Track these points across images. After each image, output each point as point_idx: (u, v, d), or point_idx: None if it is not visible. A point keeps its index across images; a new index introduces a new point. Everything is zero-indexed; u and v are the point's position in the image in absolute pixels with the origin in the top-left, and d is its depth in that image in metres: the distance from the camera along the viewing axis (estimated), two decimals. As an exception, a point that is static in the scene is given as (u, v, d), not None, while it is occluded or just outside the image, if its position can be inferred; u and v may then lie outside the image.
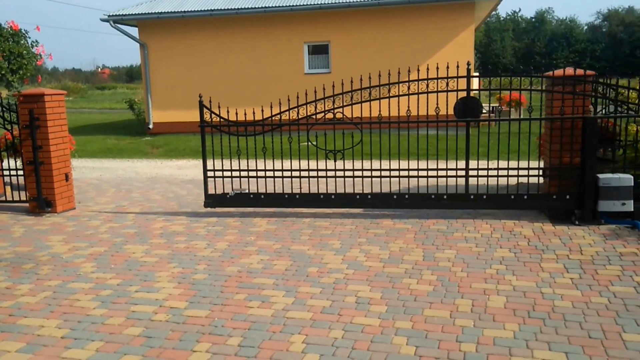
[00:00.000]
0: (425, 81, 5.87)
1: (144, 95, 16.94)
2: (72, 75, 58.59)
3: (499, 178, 5.98)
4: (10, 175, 7.25)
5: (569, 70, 5.75)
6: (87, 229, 6.06)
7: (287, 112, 6.32)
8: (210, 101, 6.63)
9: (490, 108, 16.94)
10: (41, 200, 6.73)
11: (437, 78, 5.94)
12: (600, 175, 5.45)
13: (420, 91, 5.95)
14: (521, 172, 6.12)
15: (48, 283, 4.43)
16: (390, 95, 6.05)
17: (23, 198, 7.10)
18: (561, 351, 3.11)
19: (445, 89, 5.86)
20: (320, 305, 3.84)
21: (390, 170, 6.16)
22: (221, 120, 6.34)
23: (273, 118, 6.20)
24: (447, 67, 6.27)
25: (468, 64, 5.92)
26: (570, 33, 57.96)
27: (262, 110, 6.37)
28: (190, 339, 3.39)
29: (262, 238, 5.50)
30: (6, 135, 7.41)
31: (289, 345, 3.29)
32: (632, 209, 5.37)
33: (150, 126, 16.57)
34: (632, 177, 5.40)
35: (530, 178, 6.01)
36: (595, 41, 57.05)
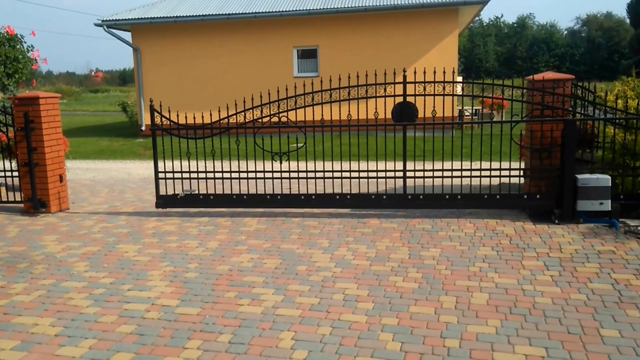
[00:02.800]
0: (365, 87, 6.17)
1: (137, 98, 16.99)
2: (66, 79, 58.26)
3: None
4: (5, 177, 7.31)
5: (548, 75, 5.90)
6: (81, 228, 6.13)
7: (234, 116, 6.48)
8: (160, 105, 6.80)
9: (474, 111, 17.22)
10: (36, 200, 6.80)
11: (376, 84, 6.22)
12: (579, 176, 5.59)
13: (360, 96, 6.24)
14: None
15: (42, 282, 4.50)
16: (332, 100, 6.29)
17: (18, 199, 7.16)
18: (541, 346, 3.20)
19: (385, 93, 6.16)
20: (309, 302, 3.92)
21: (333, 171, 6.38)
22: (171, 123, 6.52)
23: (221, 122, 6.39)
24: (385, 74, 6.64)
25: (404, 70, 6.20)
26: (551, 38, 58.51)
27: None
28: (182, 337, 3.46)
29: (252, 237, 5.58)
30: (1, 137, 7.46)
31: (279, 342, 3.36)
32: (610, 209, 5.51)
33: (143, 128, 16.61)
34: (609, 177, 5.53)
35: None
36: (574, 46, 57.68)
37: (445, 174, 6.18)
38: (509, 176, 6.11)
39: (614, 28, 56.55)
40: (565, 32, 63.81)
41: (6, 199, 7.29)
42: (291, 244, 5.34)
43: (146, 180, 9.34)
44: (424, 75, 6.16)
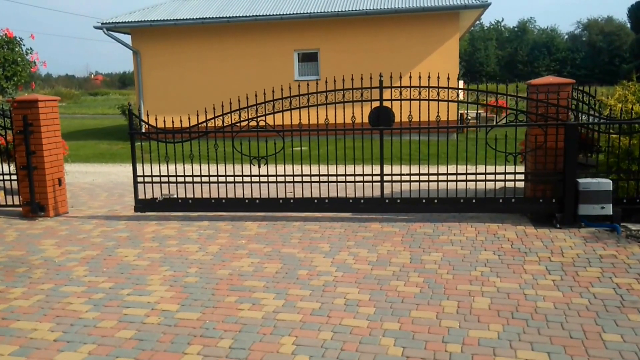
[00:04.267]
0: (342, 91, 6.27)
1: (137, 101, 16.99)
2: (65, 82, 58.34)
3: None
4: (3, 180, 7.29)
5: (548, 79, 5.90)
6: (80, 232, 6.10)
7: (213, 120, 6.52)
8: (138, 109, 6.84)
9: (476, 115, 17.25)
10: (34, 204, 6.77)
11: (353, 89, 6.29)
12: (580, 180, 5.58)
13: (337, 101, 6.29)
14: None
15: (41, 286, 4.48)
16: (310, 104, 6.35)
17: (16, 202, 7.14)
18: (543, 351, 3.19)
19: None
20: (310, 307, 3.91)
21: (311, 175, 6.42)
22: (150, 128, 6.58)
23: (199, 126, 6.45)
24: (362, 78, 6.66)
25: (380, 75, 6.25)
26: (552, 42, 58.66)
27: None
28: (182, 342, 3.44)
29: (253, 241, 5.57)
30: (0, 140, 7.45)
31: (279, 346, 3.35)
32: (611, 213, 5.50)
33: (143, 131, 16.63)
34: (610, 181, 5.52)
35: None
36: (575, 50, 57.85)
37: (430, 177, 6.22)
38: (494, 180, 6.10)
39: (615, 32, 56.73)
40: (566, 36, 63.99)
41: (4, 203, 7.27)
42: (292, 248, 5.32)
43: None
44: (400, 80, 6.22)
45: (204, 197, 6.62)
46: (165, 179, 6.70)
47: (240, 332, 3.56)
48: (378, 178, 6.35)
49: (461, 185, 6.48)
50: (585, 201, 5.52)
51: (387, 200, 6.20)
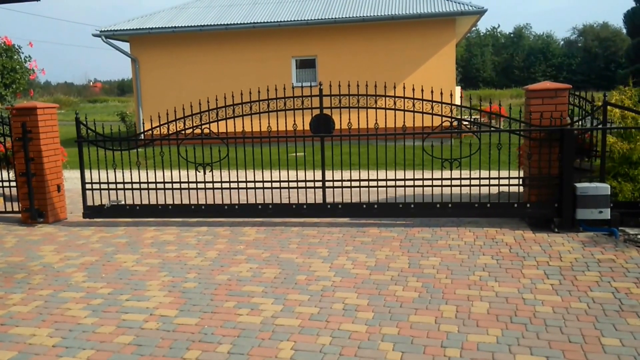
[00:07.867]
0: (284, 99, 6.44)
1: (135, 108, 17.04)
2: (64, 89, 58.35)
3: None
4: (2, 187, 7.29)
5: (545, 84, 5.94)
6: (79, 239, 6.11)
7: (158, 128, 6.73)
8: (86, 118, 6.96)
9: (472, 119, 17.32)
10: (33, 211, 6.77)
11: (294, 97, 6.50)
12: (578, 185, 5.60)
13: (279, 108, 6.46)
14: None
15: (40, 292, 4.47)
16: (252, 112, 6.50)
17: (16, 209, 7.14)
18: (542, 355, 3.19)
19: (302, 106, 6.45)
20: (309, 312, 3.91)
21: (255, 182, 6.52)
22: (97, 136, 6.73)
23: (145, 134, 6.54)
24: (302, 87, 7.07)
25: (320, 84, 6.42)
26: (548, 48, 58.75)
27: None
28: (180, 347, 3.44)
29: (251, 247, 5.57)
30: (-2, 147, 7.47)
31: (278, 351, 3.34)
32: (609, 217, 5.50)
33: (142, 137, 16.65)
34: (608, 186, 5.53)
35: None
36: (571, 55, 57.93)
37: (371, 183, 6.39)
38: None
39: (610, 38, 56.89)
40: (562, 42, 64.11)
41: (4, 209, 7.27)
42: (290, 253, 5.33)
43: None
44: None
45: (151, 203, 6.74)
46: (113, 186, 6.83)
47: (239, 337, 3.55)
48: (320, 184, 6.50)
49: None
50: (583, 205, 5.53)
51: (328, 206, 6.32)
